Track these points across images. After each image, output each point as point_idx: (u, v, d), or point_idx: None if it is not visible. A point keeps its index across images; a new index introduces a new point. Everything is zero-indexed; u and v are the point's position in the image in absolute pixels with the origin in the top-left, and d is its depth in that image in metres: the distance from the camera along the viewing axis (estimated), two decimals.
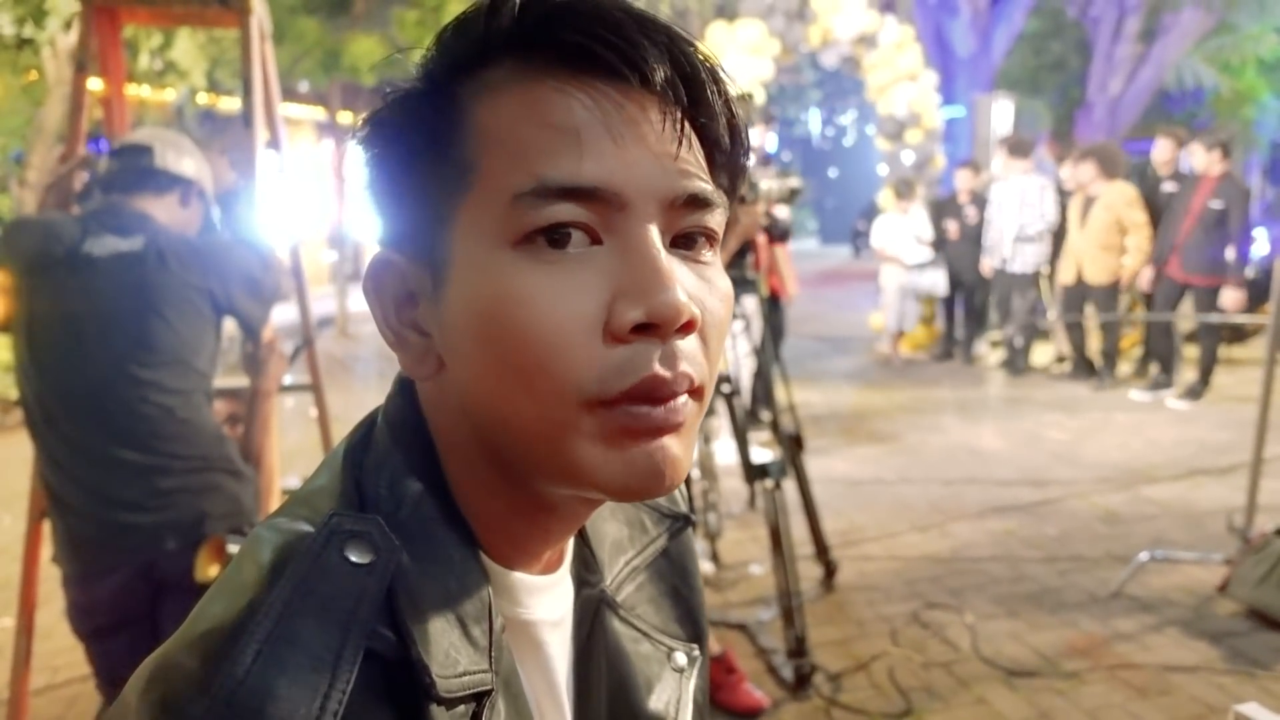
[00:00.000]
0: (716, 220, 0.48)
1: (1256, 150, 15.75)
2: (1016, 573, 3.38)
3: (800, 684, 2.61)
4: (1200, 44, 12.73)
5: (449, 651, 0.44)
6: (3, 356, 5.34)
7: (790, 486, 2.98)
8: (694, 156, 0.46)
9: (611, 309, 0.42)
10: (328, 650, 0.40)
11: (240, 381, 2.23)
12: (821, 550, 3.29)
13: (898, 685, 2.62)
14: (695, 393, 0.45)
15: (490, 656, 0.46)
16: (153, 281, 1.76)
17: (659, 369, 0.42)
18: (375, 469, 0.48)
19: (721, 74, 0.46)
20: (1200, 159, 5.92)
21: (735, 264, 2.77)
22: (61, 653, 2.74)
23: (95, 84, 2.40)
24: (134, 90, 7.26)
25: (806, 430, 3.84)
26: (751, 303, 3.01)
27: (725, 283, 0.49)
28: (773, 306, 5.56)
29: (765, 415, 4.59)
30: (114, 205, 1.83)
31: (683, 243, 0.46)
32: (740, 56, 7.59)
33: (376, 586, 0.42)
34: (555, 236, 0.43)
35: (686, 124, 0.45)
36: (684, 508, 0.68)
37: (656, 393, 0.43)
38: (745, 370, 4.06)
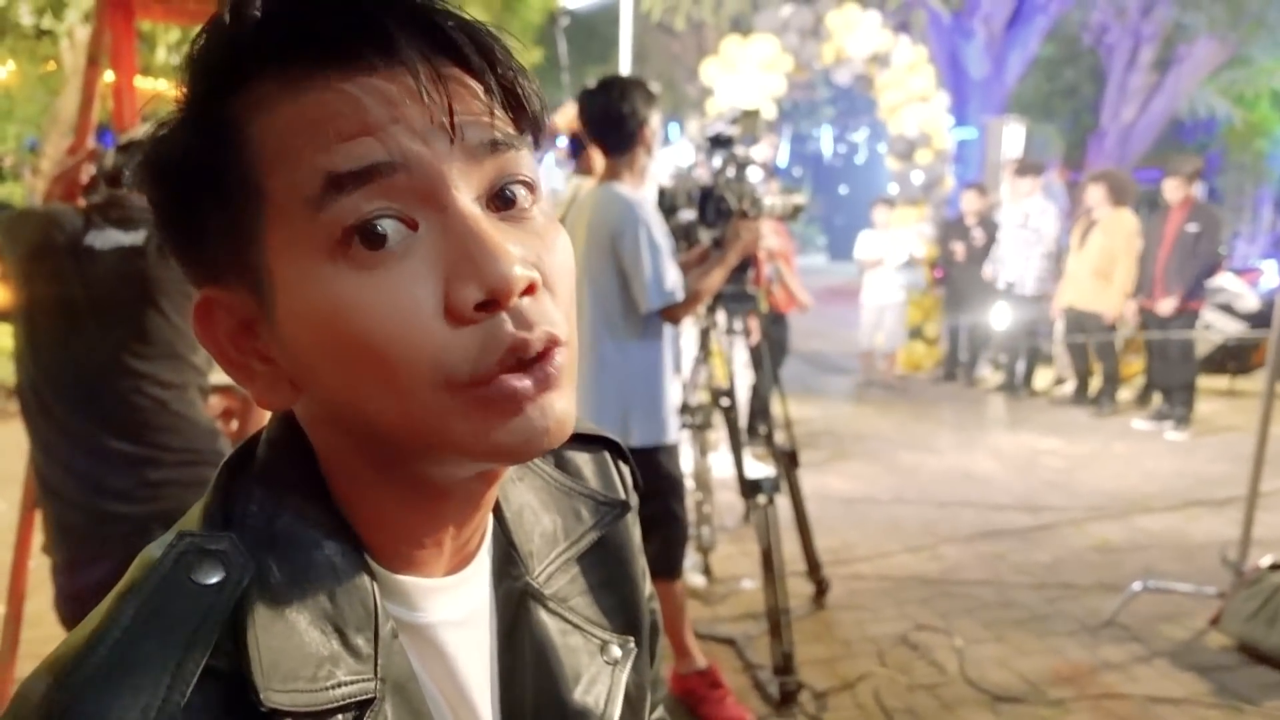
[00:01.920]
0: (527, 166, 0.47)
1: (1268, 183, 15.74)
2: (1006, 598, 3.37)
3: (785, 702, 2.60)
4: (1214, 75, 12.74)
5: (322, 664, 0.44)
6: (5, 343, 5.37)
7: (784, 503, 2.98)
8: (479, 110, 0.44)
9: (449, 292, 0.42)
10: (164, 671, 0.40)
11: None
12: (813, 568, 3.29)
13: (883, 706, 2.62)
14: (559, 346, 0.45)
15: (376, 664, 0.46)
16: (152, 275, 1.78)
17: (517, 332, 0.43)
18: (245, 487, 0.48)
19: (479, 29, 0.45)
20: (1171, 188, 5.97)
21: (735, 279, 2.78)
22: (51, 640, 2.71)
23: (111, 76, 2.42)
24: (150, 84, 7.31)
25: (804, 447, 3.83)
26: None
27: (558, 233, 0.48)
28: (775, 322, 5.57)
29: (762, 429, 4.60)
30: (118, 199, 1.85)
31: (501, 202, 0.46)
32: (753, 72, 7.62)
33: (224, 605, 0.43)
34: (369, 236, 0.42)
35: (459, 83, 0.44)
36: (623, 494, 0.67)
37: (525, 353, 0.43)
38: (742, 383, 4.06)
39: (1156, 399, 6.51)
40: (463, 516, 0.51)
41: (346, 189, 0.41)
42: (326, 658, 0.44)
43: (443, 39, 0.44)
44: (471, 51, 0.44)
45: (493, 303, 0.42)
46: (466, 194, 0.44)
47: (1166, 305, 5.92)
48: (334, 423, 0.48)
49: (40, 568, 1.97)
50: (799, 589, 3.28)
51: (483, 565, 0.56)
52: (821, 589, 3.31)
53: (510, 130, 0.46)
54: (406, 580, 0.50)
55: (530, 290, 0.43)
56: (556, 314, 0.45)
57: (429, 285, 0.42)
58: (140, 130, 1.96)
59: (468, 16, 0.45)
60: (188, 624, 0.42)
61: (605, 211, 2.36)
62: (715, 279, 2.47)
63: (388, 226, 0.42)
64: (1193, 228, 5.87)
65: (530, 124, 0.48)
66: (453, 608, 0.53)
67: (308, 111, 0.42)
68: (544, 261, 0.45)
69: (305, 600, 0.45)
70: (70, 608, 1.83)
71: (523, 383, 0.43)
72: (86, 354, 1.76)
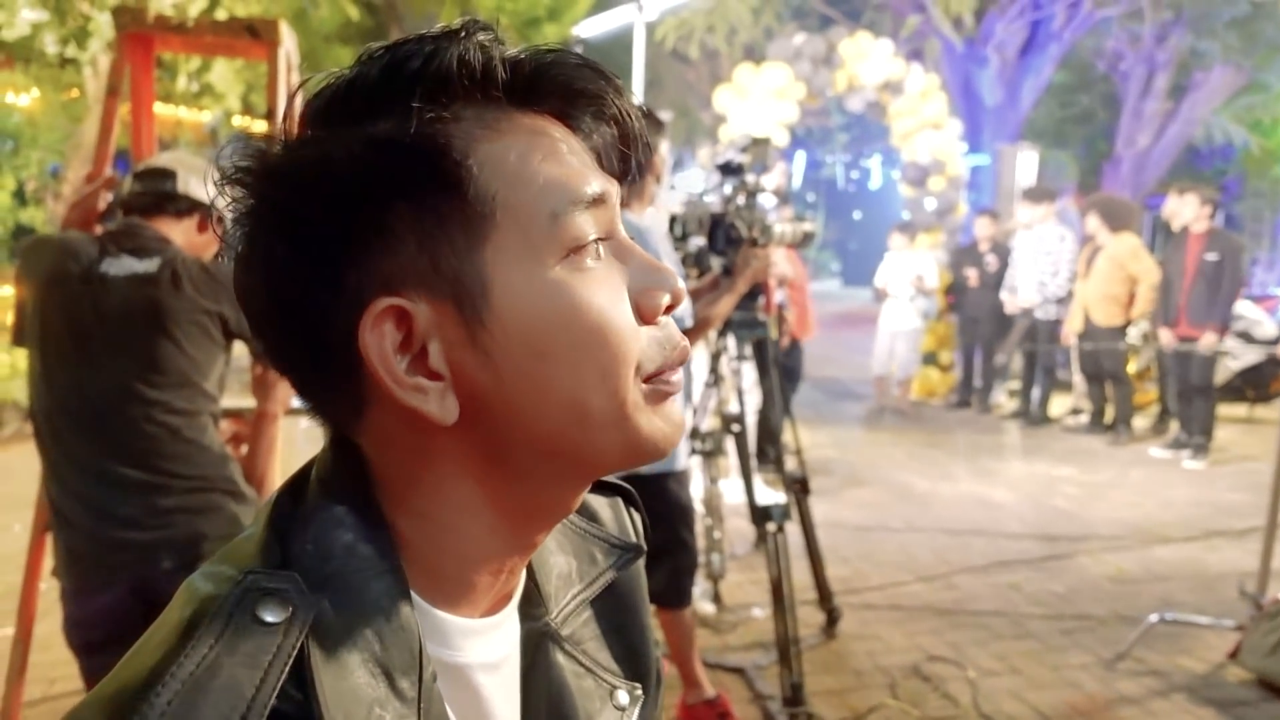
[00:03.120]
0: None
1: None
2: (1020, 629, 3.33)
3: None
4: (1230, 102, 12.71)
5: (372, 707, 0.44)
6: (22, 365, 5.42)
7: (795, 530, 2.96)
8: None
9: (641, 297, 0.51)
10: (233, 712, 0.40)
11: (248, 402, 2.26)
12: (824, 597, 3.26)
13: None
14: None
15: (419, 709, 0.46)
16: (165, 303, 1.79)
17: (680, 337, 0.53)
18: (302, 524, 0.48)
19: (639, 114, 0.54)
20: (1192, 213, 5.92)
21: (745, 306, 2.78)
22: (59, 665, 2.74)
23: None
24: (171, 111, 7.43)
25: (816, 474, 3.78)
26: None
27: None
28: (789, 349, 5.57)
29: (771, 452, 4.57)
30: (133, 227, 1.87)
31: None
32: (766, 99, 7.66)
33: (289, 645, 0.43)
34: (595, 249, 0.50)
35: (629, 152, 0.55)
36: (634, 539, 0.68)
37: (686, 354, 0.53)
38: (750, 407, 4.05)
39: (1173, 427, 6.45)
40: (532, 545, 0.55)
41: (581, 210, 0.49)
42: (375, 700, 0.45)
43: (632, 109, 0.53)
44: (638, 126, 0.54)
45: (671, 307, 0.52)
46: (621, 230, 0.53)
47: (1207, 341, 5.85)
48: (489, 437, 0.49)
49: (51, 591, 1.98)
50: (810, 618, 3.25)
51: (514, 610, 0.57)
52: (833, 618, 3.27)
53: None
54: (448, 619, 0.51)
55: None
56: None
57: (624, 293, 0.50)
58: (163, 158, 1.98)
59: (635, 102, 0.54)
60: (256, 664, 0.41)
61: None
62: (724, 306, 2.47)
63: (596, 247, 0.50)
64: (1213, 256, 5.83)
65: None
66: (488, 650, 0.54)
67: (539, 143, 0.49)
68: None
69: (356, 641, 0.45)
70: (78, 634, 1.83)
71: (675, 378, 0.52)
72: (98, 381, 1.77)
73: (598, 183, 0.50)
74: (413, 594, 0.50)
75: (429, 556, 0.50)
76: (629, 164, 0.55)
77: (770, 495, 2.84)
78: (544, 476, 0.51)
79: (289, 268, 0.47)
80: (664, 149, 2.41)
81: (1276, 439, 3.08)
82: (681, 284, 0.52)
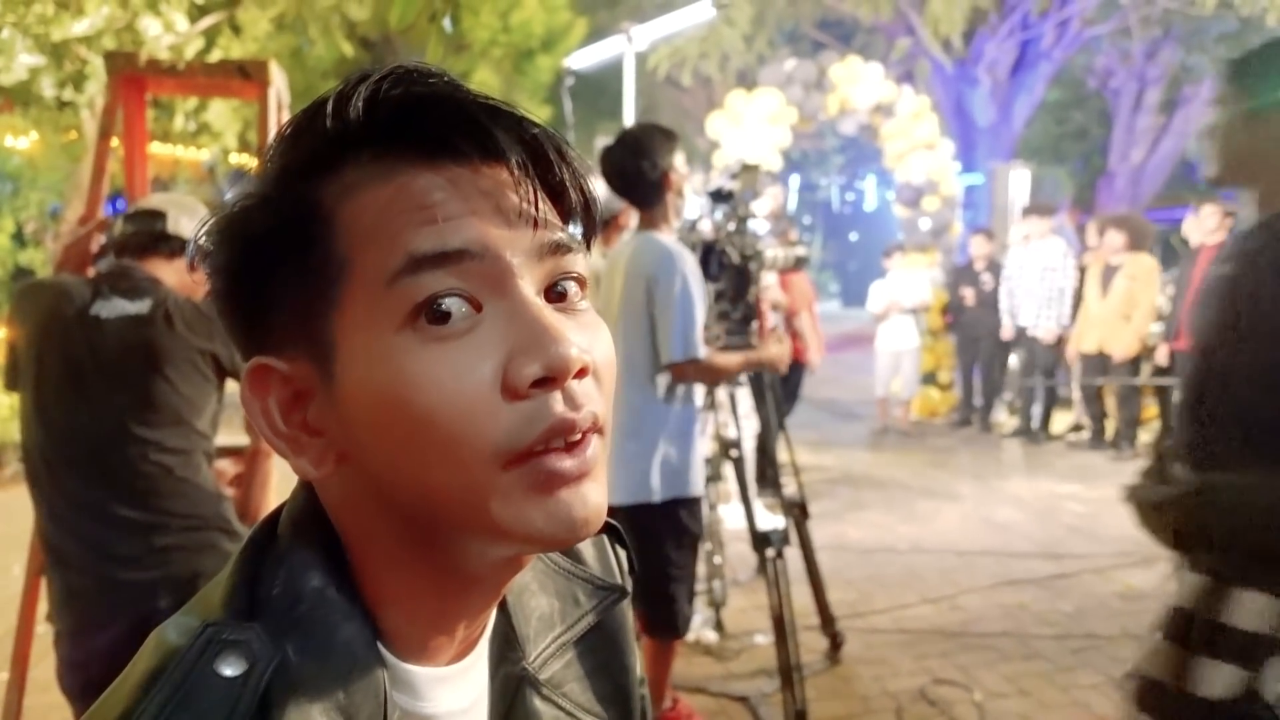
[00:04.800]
0: (580, 264, 0.50)
1: None
2: (1028, 649, 3.30)
3: None
4: None
5: None
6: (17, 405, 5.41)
7: (796, 555, 2.94)
8: (548, 215, 0.48)
9: (507, 368, 0.44)
10: None
11: (246, 439, 2.26)
12: (826, 621, 3.23)
13: None
14: (599, 431, 0.47)
15: None
16: (158, 343, 1.80)
17: (564, 411, 0.44)
18: (272, 567, 0.48)
19: (564, 146, 0.49)
20: (1210, 225, 5.91)
21: (739, 331, 2.78)
22: (55, 708, 2.70)
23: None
24: (168, 149, 7.49)
25: (820, 495, 3.74)
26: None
27: (603, 327, 0.51)
28: (790, 371, 5.56)
29: (769, 473, 4.56)
30: (125, 269, 1.88)
31: (555, 295, 0.49)
32: (758, 125, 7.71)
33: (249, 698, 0.42)
34: (437, 312, 0.44)
35: (539, 189, 0.47)
36: (620, 579, 0.66)
37: (570, 433, 0.45)
38: (748, 431, 4.04)
39: None
40: (484, 603, 0.52)
41: (424, 269, 0.44)
42: None
43: (532, 145, 0.47)
44: (555, 158, 0.48)
45: (549, 380, 0.44)
46: (529, 285, 0.46)
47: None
48: (377, 499, 0.47)
49: (47, 633, 1.97)
50: (815, 643, 3.22)
51: (484, 651, 0.56)
52: (836, 643, 3.24)
53: (571, 232, 0.49)
54: (415, 670, 0.50)
55: (582, 373, 0.46)
56: (601, 400, 0.47)
57: (489, 363, 0.44)
58: (154, 199, 2.00)
59: (560, 138, 0.49)
60: (213, 719, 0.42)
61: (644, 257, 2.38)
62: (729, 360, 2.48)
63: (453, 305, 0.44)
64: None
65: (589, 226, 0.51)
66: (456, 697, 0.53)
67: (401, 195, 0.45)
68: (594, 350, 0.48)
69: (320, 688, 0.45)
70: (74, 675, 1.82)
71: (564, 463, 0.45)
72: (93, 421, 1.78)
73: (466, 235, 0.44)
74: (380, 645, 0.49)
75: (388, 604, 0.50)
76: (571, 207, 0.50)
77: (770, 520, 2.82)
78: (453, 547, 0.48)
79: (225, 321, 0.50)
80: (680, 162, 2.44)
81: None
82: (571, 352, 0.44)
